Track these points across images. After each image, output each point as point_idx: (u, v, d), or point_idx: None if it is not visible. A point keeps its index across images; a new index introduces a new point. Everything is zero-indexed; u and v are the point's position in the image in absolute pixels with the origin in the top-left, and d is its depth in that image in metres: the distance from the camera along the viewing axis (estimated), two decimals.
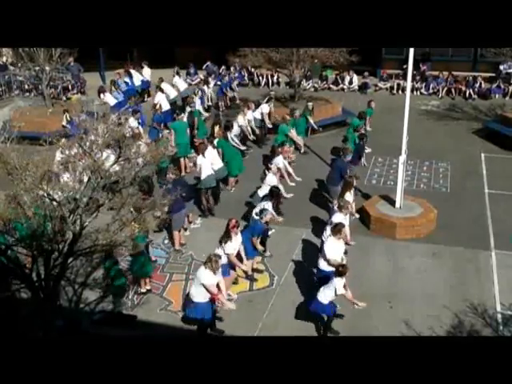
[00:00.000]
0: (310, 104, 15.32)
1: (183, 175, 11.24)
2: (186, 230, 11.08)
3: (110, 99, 17.20)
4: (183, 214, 10.44)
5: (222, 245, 8.56)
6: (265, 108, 15.37)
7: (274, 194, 9.96)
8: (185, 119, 14.59)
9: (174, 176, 10.58)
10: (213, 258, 7.72)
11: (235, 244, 8.68)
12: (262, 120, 15.40)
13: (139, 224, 6.84)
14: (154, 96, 17.80)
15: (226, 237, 8.61)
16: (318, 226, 11.04)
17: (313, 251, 10.27)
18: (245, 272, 9.38)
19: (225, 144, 12.88)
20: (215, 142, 12.78)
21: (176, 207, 9.89)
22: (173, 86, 18.41)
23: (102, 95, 17.29)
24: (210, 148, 11.92)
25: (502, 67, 20.75)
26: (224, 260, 8.44)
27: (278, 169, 11.58)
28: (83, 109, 15.12)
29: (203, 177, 11.47)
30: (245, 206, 11.81)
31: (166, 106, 16.39)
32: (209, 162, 11.57)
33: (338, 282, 7.61)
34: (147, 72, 20.81)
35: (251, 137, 14.88)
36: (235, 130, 14.17)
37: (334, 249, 8.24)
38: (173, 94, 17.95)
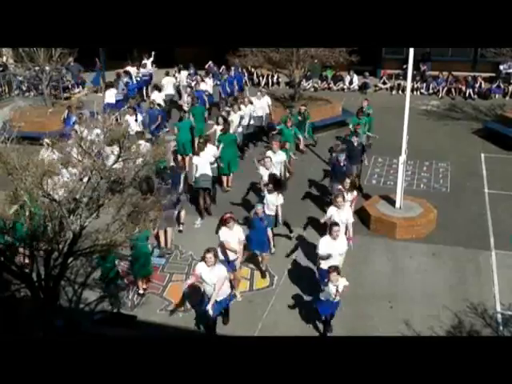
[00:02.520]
0: (302, 108, 14.99)
1: (180, 172, 11.15)
2: (180, 231, 11.05)
3: (111, 96, 17.27)
4: (170, 213, 10.31)
5: (218, 234, 8.58)
6: (254, 101, 15.44)
7: (275, 184, 9.91)
8: (191, 118, 14.60)
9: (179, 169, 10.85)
10: (205, 251, 7.60)
11: (229, 235, 8.52)
12: (261, 117, 15.55)
13: (137, 224, 6.83)
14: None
15: (219, 228, 8.63)
16: (318, 226, 11.04)
17: (312, 251, 10.26)
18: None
19: (225, 140, 12.71)
20: (217, 136, 12.78)
21: (165, 206, 9.69)
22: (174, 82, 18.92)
23: (108, 91, 17.41)
24: (209, 146, 11.74)
25: (501, 67, 20.76)
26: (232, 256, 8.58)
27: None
28: (82, 108, 15.26)
29: (196, 176, 11.41)
30: (244, 205, 11.81)
31: (160, 103, 16.55)
32: (204, 162, 11.43)
33: (333, 278, 7.42)
34: (149, 65, 20.93)
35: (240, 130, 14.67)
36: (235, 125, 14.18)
37: (325, 246, 8.17)
38: (169, 90, 18.43)
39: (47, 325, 6.75)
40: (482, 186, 12.91)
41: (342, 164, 10.97)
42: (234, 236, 8.54)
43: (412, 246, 10.39)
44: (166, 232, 10.41)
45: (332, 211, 9.09)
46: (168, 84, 18.64)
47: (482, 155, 14.77)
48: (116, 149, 6.28)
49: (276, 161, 11.35)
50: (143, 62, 21.01)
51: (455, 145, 15.49)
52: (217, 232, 8.64)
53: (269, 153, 11.50)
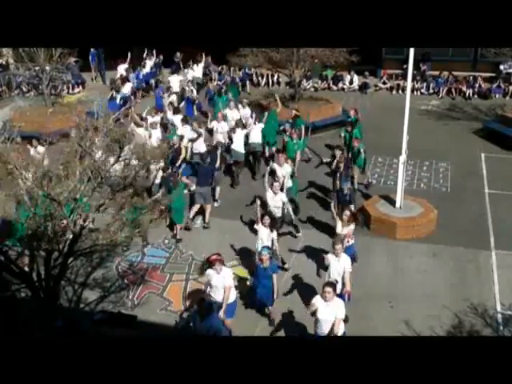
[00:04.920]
0: (293, 112, 14.49)
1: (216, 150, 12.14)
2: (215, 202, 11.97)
3: (127, 88, 18.23)
4: (206, 190, 11.22)
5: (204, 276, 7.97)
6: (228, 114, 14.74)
7: (272, 219, 9.21)
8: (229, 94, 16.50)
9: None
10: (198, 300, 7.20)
11: (215, 279, 7.77)
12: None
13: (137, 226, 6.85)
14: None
15: (205, 270, 7.95)
16: (318, 226, 11.06)
17: (312, 251, 10.27)
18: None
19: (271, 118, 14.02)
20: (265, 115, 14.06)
21: (200, 183, 11.17)
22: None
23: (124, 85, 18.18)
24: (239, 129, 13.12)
25: (502, 67, 20.72)
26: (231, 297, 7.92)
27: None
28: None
29: (232, 149, 13.02)
30: (246, 207, 11.78)
31: (176, 88, 18.42)
32: (239, 138, 12.94)
33: None
34: (148, 66, 21.27)
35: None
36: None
37: (314, 307, 7.11)
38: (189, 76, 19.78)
39: (47, 325, 6.75)
40: (482, 186, 12.90)
41: (345, 192, 10.21)
42: (220, 280, 7.74)
43: (412, 246, 10.39)
44: (204, 208, 11.32)
45: (330, 259, 8.07)
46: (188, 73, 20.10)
47: (482, 155, 14.76)
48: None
49: (281, 174, 10.96)
50: (145, 61, 21.25)
51: (455, 145, 15.47)
52: (202, 273, 8.02)
53: (274, 165, 11.23)
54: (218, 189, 12.20)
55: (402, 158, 10.79)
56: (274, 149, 13.30)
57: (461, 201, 12.16)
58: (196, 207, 11.34)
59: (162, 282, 9.60)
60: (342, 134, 13.41)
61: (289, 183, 11.01)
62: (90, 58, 22.11)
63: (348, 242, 8.94)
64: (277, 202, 10.05)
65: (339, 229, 8.99)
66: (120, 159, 6.50)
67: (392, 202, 11.14)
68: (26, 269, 6.58)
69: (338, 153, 11.61)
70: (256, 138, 13.41)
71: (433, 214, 10.98)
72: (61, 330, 6.95)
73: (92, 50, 21.84)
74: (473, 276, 9.46)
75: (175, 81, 18.76)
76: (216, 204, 12.03)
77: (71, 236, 6.39)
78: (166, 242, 10.82)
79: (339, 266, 7.98)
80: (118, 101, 16.69)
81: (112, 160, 6.50)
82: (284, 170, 11.10)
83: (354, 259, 8.85)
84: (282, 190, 10.25)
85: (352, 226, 9.01)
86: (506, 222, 11.07)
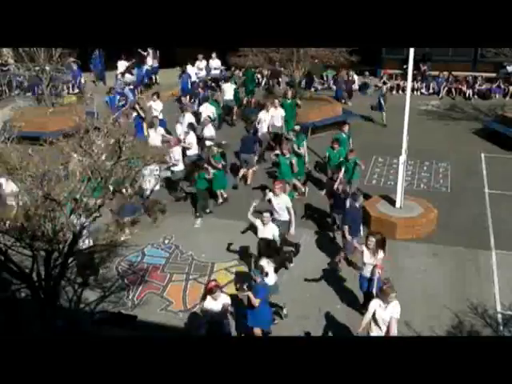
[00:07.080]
0: (296, 127, 13.49)
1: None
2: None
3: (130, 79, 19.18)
4: (248, 157, 13.13)
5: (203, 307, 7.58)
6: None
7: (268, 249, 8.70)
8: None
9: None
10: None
11: (213, 305, 7.43)
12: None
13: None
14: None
15: (203, 299, 7.60)
16: (318, 226, 11.05)
17: (312, 251, 10.27)
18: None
19: (286, 104, 15.22)
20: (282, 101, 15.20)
21: (243, 150, 13.15)
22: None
23: (126, 75, 19.20)
24: (272, 109, 14.50)
25: (508, 67, 20.59)
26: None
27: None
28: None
29: (261, 131, 14.34)
30: (246, 208, 11.77)
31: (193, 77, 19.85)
32: (265, 120, 14.33)
33: None
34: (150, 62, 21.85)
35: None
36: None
37: None
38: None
39: (47, 325, 6.75)
40: (482, 186, 12.90)
41: (348, 211, 9.40)
42: (218, 306, 7.44)
43: (412, 245, 10.39)
44: (246, 173, 13.10)
45: (375, 306, 7.01)
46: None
47: (482, 155, 14.76)
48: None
49: (278, 206, 9.69)
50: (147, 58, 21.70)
51: (455, 145, 15.48)
52: (200, 303, 7.68)
53: (270, 195, 9.88)
54: (256, 157, 13.84)
55: (402, 158, 10.79)
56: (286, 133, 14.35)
57: (461, 201, 12.17)
58: (241, 172, 13.19)
59: (161, 281, 9.60)
60: (327, 154, 12.29)
61: (284, 216, 9.68)
62: (92, 64, 21.93)
63: (378, 273, 7.94)
64: (266, 235, 8.97)
65: (367, 258, 8.12)
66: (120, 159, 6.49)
67: (392, 202, 11.14)
68: (26, 269, 6.57)
69: (339, 174, 11.01)
70: (277, 122, 14.66)
71: (433, 214, 10.98)
72: (61, 330, 6.94)
73: (93, 56, 21.70)
74: (473, 276, 9.46)
75: (193, 71, 20.01)
76: (254, 168, 13.45)
77: (71, 236, 6.38)
78: (166, 242, 10.82)
79: (386, 313, 6.95)
80: (117, 99, 17.08)
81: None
82: (281, 200, 9.68)
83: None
84: (273, 220, 9.23)
85: (381, 255, 8.06)
86: (506, 222, 11.07)
